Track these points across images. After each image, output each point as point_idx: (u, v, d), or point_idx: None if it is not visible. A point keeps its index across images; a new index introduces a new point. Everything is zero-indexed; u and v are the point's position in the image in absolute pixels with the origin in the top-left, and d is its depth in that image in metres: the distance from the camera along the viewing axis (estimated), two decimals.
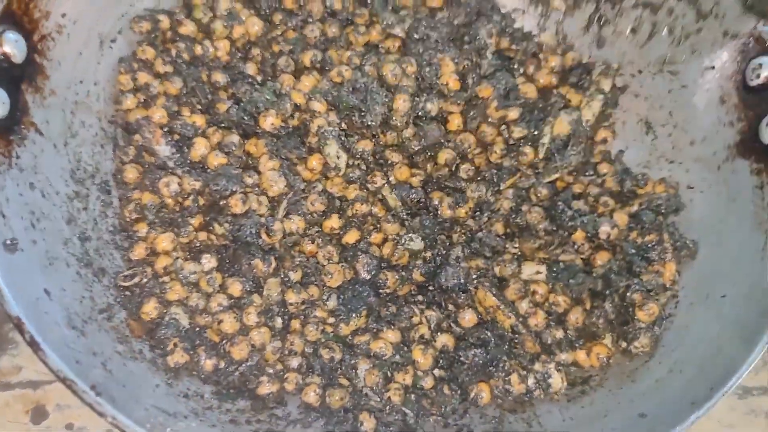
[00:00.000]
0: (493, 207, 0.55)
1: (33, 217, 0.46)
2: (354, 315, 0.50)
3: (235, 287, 0.49)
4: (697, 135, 0.56)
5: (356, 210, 0.53)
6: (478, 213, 0.55)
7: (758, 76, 0.52)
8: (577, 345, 0.51)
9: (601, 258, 0.52)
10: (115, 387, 0.39)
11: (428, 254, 0.53)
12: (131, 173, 0.54)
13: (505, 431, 0.47)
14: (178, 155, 0.54)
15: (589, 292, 0.51)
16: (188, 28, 0.58)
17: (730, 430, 0.56)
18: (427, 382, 0.49)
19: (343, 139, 0.54)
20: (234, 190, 0.51)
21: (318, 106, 0.55)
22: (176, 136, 0.55)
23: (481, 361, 0.49)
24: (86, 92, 0.54)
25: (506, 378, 0.49)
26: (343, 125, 0.55)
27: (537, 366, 0.49)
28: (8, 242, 0.42)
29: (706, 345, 0.46)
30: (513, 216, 0.54)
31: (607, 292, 0.51)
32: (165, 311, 0.49)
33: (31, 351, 0.38)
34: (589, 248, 0.53)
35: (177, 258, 0.51)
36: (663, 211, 0.54)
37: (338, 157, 0.54)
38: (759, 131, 0.51)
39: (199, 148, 0.53)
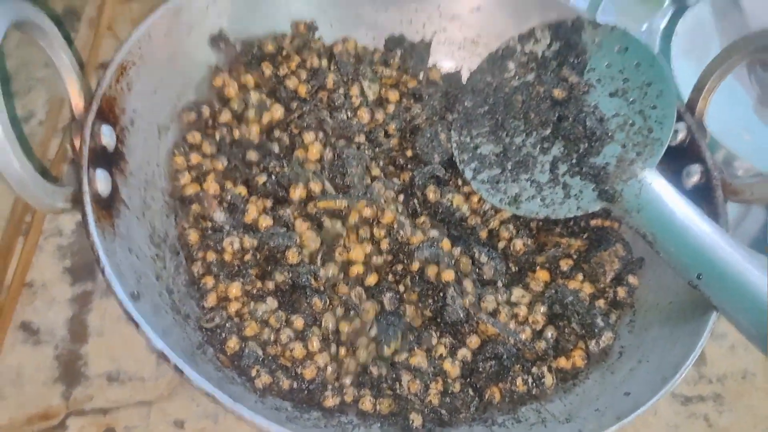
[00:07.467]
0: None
1: (136, 275, 0.56)
2: (392, 340, 0.62)
3: (299, 322, 0.61)
4: None
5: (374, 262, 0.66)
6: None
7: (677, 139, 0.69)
8: (555, 354, 0.64)
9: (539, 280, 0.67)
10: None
11: (429, 300, 0.64)
12: (193, 236, 0.65)
13: (521, 418, 0.60)
14: (232, 219, 0.65)
15: (548, 313, 0.65)
16: (226, 116, 0.70)
17: (676, 429, 0.71)
18: (456, 387, 0.61)
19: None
20: (288, 245, 0.63)
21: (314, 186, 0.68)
22: (225, 204, 0.66)
23: (494, 370, 0.62)
24: (152, 172, 0.65)
25: (512, 381, 0.62)
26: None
27: (534, 369, 0.63)
28: (134, 293, 0.53)
29: (664, 340, 0.60)
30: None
31: (566, 312, 0.64)
32: (244, 345, 0.59)
33: (180, 378, 0.48)
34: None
35: (244, 302, 0.62)
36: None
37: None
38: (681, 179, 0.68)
39: (252, 212, 0.65)
